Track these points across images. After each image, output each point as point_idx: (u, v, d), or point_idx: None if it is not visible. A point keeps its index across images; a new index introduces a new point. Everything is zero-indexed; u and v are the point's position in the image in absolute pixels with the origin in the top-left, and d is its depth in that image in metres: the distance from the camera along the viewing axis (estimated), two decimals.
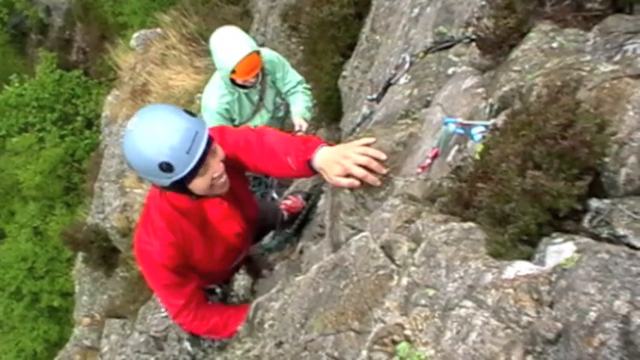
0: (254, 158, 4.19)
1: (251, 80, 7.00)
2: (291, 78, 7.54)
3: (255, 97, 7.40)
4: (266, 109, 7.61)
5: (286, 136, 4.32)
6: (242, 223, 4.62)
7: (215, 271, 4.82)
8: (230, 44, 6.83)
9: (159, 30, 15.22)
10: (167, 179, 3.88)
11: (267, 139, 4.18)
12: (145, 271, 4.42)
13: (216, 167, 4.01)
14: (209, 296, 4.85)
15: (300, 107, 7.45)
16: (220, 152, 4.03)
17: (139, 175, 4.18)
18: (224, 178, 4.11)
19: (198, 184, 4.01)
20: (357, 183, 3.67)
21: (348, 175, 3.69)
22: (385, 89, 4.76)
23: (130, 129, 3.88)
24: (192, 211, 4.27)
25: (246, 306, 4.18)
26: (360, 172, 3.65)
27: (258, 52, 6.90)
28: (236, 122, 7.47)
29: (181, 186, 3.98)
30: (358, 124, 5.05)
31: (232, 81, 6.98)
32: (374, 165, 3.65)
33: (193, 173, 3.90)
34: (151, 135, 3.80)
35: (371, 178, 3.64)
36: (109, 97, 15.67)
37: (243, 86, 7.07)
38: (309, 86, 7.76)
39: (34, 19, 31.28)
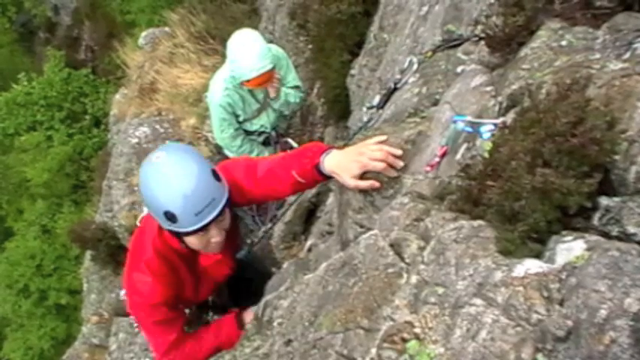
0: (253, 187, 4.11)
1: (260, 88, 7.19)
2: (290, 79, 7.63)
3: (261, 95, 7.48)
4: (272, 108, 7.68)
5: (280, 155, 4.30)
6: (231, 263, 4.58)
7: (195, 302, 4.75)
8: (252, 58, 6.94)
9: (167, 28, 15.22)
10: (167, 225, 3.84)
11: (261, 167, 4.10)
12: (135, 309, 4.28)
13: (215, 233, 3.97)
14: None
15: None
16: (226, 221, 4.01)
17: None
18: (220, 242, 4.06)
19: (193, 242, 3.99)
20: (377, 184, 3.62)
21: (363, 175, 3.64)
22: (389, 96, 4.75)
23: (153, 161, 3.79)
24: (185, 253, 4.19)
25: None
26: (379, 165, 3.59)
27: (274, 68, 7.04)
28: (240, 118, 7.56)
29: (177, 235, 3.96)
30: (360, 129, 5.04)
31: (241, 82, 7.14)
32: (391, 159, 3.61)
33: (193, 233, 3.86)
34: (170, 180, 3.72)
35: (389, 170, 3.59)
36: (117, 96, 15.67)
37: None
38: (301, 94, 7.91)
39: (42, 17, 31.33)
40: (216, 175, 3.83)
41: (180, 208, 3.70)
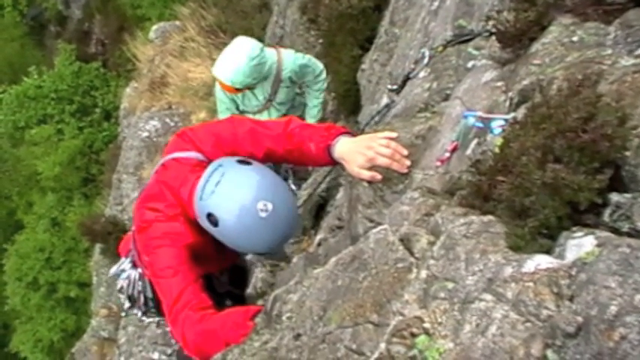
0: (271, 145, 4.03)
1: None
2: (315, 82, 7.71)
3: (261, 97, 7.53)
4: (275, 108, 7.73)
5: (310, 124, 4.26)
6: None
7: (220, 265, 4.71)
8: (227, 67, 7.10)
9: (178, 22, 15.27)
10: (201, 220, 3.82)
11: (292, 124, 4.07)
12: (162, 246, 3.96)
13: None
14: None
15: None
16: None
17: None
18: None
19: None
20: (378, 177, 3.65)
21: (370, 168, 3.67)
22: (404, 83, 4.75)
23: (259, 214, 3.69)
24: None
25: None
26: (385, 161, 3.62)
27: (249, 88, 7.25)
28: (240, 108, 7.65)
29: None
30: (378, 112, 5.02)
31: None
32: (397, 157, 3.63)
33: None
34: (271, 233, 3.78)
35: (396, 165, 3.61)
36: (128, 89, 15.72)
37: None
38: (325, 85, 8.00)
39: (53, 10, 31.42)
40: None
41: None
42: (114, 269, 4.80)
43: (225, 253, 4.30)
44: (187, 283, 3.86)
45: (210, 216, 3.72)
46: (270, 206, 3.65)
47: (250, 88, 7.30)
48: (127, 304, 4.77)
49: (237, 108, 7.70)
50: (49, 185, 25.55)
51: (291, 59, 7.58)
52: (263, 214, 3.64)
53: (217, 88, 7.66)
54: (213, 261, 4.35)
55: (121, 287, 4.73)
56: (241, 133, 4.06)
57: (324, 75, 7.88)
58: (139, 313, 4.77)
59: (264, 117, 7.69)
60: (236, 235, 3.77)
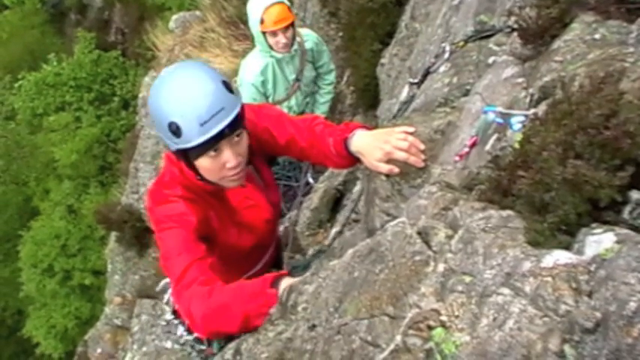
0: (298, 138, 4.03)
1: (282, 41, 7.14)
2: (328, 72, 7.72)
3: (292, 76, 7.50)
4: (301, 92, 7.71)
5: (331, 123, 4.24)
6: (269, 208, 4.32)
7: (239, 269, 4.40)
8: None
9: (198, 12, 15.30)
10: (173, 143, 3.59)
11: (317, 120, 4.12)
12: (166, 229, 3.77)
13: (229, 156, 3.66)
14: None
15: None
16: (242, 146, 3.73)
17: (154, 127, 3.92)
18: (238, 172, 3.77)
19: (204, 165, 3.69)
20: (396, 170, 3.65)
21: (388, 161, 3.67)
22: (424, 77, 4.76)
23: (162, 75, 3.68)
24: (210, 193, 3.93)
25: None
26: (402, 155, 3.62)
27: (286, 5, 7.13)
28: (270, 99, 7.58)
29: (187, 158, 3.69)
30: (404, 103, 5.01)
31: (265, 39, 7.17)
32: (414, 151, 3.63)
33: (200, 150, 3.59)
34: (176, 90, 3.54)
35: (413, 159, 3.61)
36: (147, 79, 15.73)
37: (278, 51, 7.24)
38: (333, 86, 8.07)
39: None
40: (227, 86, 3.61)
41: (183, 115, 3.49)
42: (162, 283, 4.73)
43: (244, 230, 4.24)
44: (193, 259, 3.64)
45: (171, 125, 3.55)
46: (171, 67, 3.72)
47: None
48: (169, 316, 4.59)
49: (266, 98, 7.66)
50: (65, 172, 25.72)
51: (307, 31, 7.78)
52: (163, 74, 3.68)
53: (249, 88, 7.51)
54: (233, 241, 4.13)
55: (168, 300, 4.59)
56: (268, 113, 4.11)
57: (333, 67, 7.95)
58: (180, 328, 4.50)
59: (290, 103, 7.72)
60: (152, 103, 3.69)
